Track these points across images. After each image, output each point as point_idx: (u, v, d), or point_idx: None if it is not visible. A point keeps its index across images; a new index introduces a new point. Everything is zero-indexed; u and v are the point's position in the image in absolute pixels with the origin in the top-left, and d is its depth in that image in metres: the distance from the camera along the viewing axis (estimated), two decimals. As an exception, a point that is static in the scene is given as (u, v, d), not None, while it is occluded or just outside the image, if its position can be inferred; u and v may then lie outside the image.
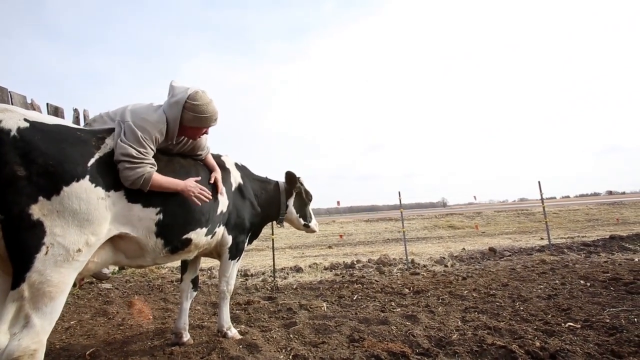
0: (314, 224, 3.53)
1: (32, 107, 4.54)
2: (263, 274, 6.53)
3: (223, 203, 2.49)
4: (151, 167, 1.85)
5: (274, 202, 3.21)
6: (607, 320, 2.77)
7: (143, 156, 1.81)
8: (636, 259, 5.66)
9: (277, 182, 3.31)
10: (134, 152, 1.77)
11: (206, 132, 2.31)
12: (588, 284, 4.13)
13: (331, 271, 6.48)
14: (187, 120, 2.09)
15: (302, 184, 3.42)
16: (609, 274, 4.52)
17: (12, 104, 3.98)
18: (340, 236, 11.38)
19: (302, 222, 3.45)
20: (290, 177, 3.28)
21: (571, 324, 2.79)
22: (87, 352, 2.60)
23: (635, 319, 2.77)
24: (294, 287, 5.10)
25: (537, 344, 2.39)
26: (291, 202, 3.34)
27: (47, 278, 1.46)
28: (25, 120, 1.51)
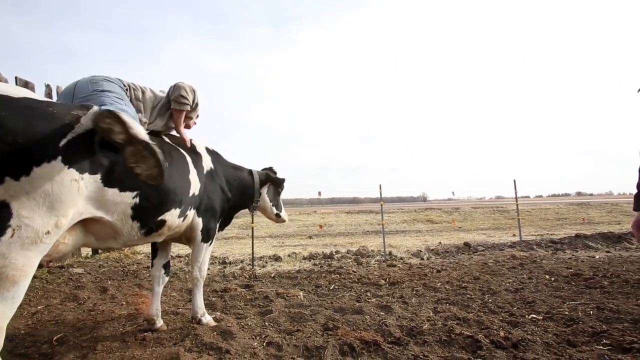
0: (284, 214, 3.64)
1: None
2: (242, 262, 6.51)
3: (195, 185, 2.46)
4: None
5: (247, 189, 3.24)
6: (566, 313, 2.95)
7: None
8: (597, 257, 6.02)
9: (250, 170, 3.34)
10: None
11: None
12: (552, 279, 4.37)
13: (310, 261, 6.54)
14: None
15: (275, 173, 3.52)
16: (571, 270, 4.79)
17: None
18: (321, 227, 11.47)
19: (275, 211, 3.53)
20: (268, 167, 3.47)
21: (534, 315, 2.95)
22: (54, 338, 2.53)
23: (591, 312, 2.96)
24: (272, 275, 5.12)
25: (502, 334, 2.51)
26: (265, 190, 3.41)
27: (12, 261, 1.39)
28: None
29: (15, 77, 4.44)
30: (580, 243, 7.67)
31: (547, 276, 4.54)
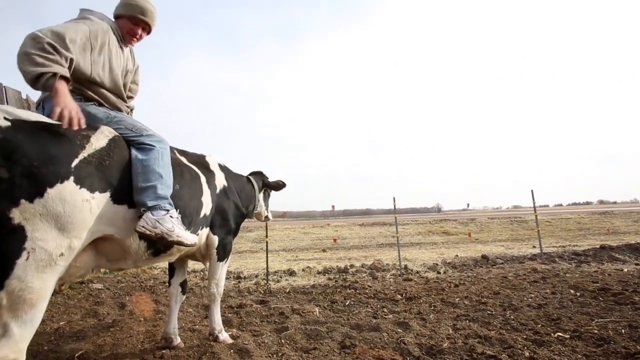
0: (270, 214, 3.84)
1: (27, 102, 4.50)
2: (256, 276, 6.51)
3: (207, 206, 2.45)
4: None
5: (251, 198, 3.34)
6: (596, 331, 2.81)
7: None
8: (625, 270, 5.74)
9: (248, 178, 3.42)
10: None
11: (137, 34, 2.15)
12: (578, 294, 4.18)
13: (324, 275, 6.48)
14: (116, 8, 2.10)
15: (266, 177, 3.67)
16: (598, 284, 4.58)
17: (6, 99, 3.94)
18: (334, 240, 11.38)
19: (265, 213, 3.67)
20: (259, 172, 3.60)
21: (560, 334, 2.82)
22: (76, 355, 2.57)
23: (623, 330, 2.81)
24: (287, 290, 5.09)
25: (527, 354, 2.41)
26: (261, 196, 3.55)
27: (28, 284, 1.38)
28: (6, 119, 1.43)
29: (27, 95, 4.62)
30: (606, 255, 7.35)
31: (572, 291, 4.35)
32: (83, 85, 1.93)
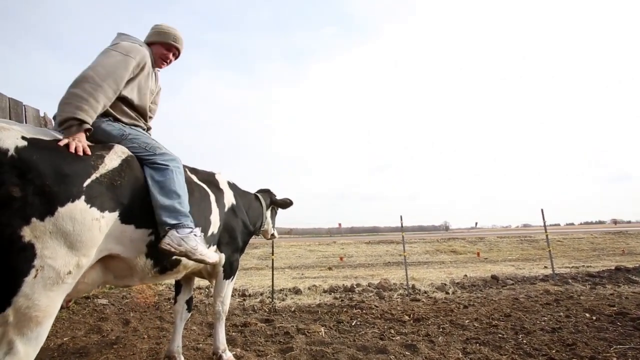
0: (276, 232, 3.85)
1: (45, 120, 4.64)
2: (261, 294, 6.43)
3: (215, 224, 2.45)
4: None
5: (259, 216, 3.34)
6: (614, 359, 2.69)
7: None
8: (643, 293, 5.52)
9: (256, 195, 3.44)
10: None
11: (169, 58, 2.28)
12: (594, 318, 4.03)
13: (330, 294, 6.37)
14: (148, 36, 2.23)
15: (274, 194, 3.68)
16: (615, 308, 4.41)
17: (25, 117, 4.07)
18: (341, 258, 11.22)
19: (272, 231, 3.67)
20: (266, 189, 3.62)
21: (576, 360, 2.71)
22: (79, 372, 2.55)
23: (643, 358, 2.69)
24: (292, 309, 5.00)
25: (541, 380, 2.31)
26: (268, 213, 3.56)
27: (35, 302, 1.38)
28: (23, 138, 1.46)
29: (44, 113, 4.75)
30: (622, 277, 7.10)
31: (587, 314, 4.20)
32: None
